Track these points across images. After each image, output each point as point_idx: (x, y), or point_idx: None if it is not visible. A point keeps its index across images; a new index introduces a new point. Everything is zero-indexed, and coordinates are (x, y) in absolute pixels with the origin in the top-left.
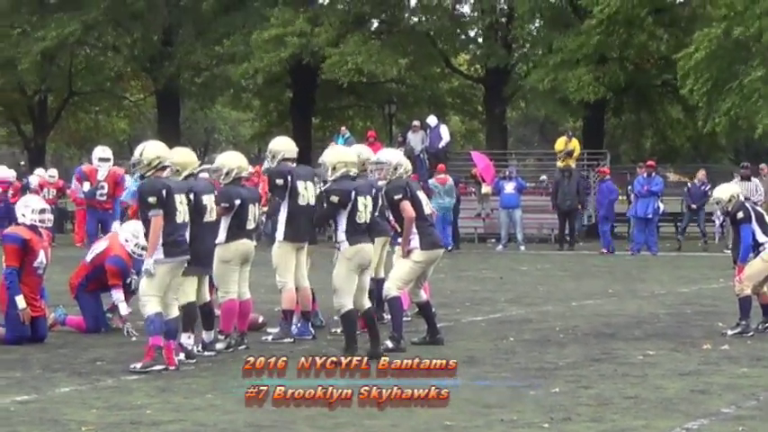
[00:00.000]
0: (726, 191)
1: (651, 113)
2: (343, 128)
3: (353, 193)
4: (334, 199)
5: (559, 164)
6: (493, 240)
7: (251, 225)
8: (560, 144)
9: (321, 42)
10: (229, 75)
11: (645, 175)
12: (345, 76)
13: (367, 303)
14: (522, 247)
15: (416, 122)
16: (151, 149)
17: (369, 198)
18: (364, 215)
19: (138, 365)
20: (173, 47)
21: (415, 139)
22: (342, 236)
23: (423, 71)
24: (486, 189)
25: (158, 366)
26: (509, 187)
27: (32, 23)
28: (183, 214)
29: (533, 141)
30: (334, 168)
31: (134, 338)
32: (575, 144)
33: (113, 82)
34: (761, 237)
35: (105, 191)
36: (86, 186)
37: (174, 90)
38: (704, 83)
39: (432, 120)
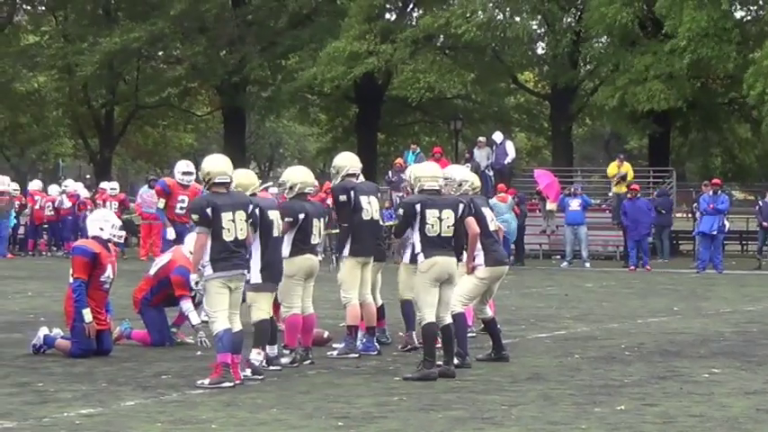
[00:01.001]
0: None
1: (718, 132)
2: (414, 144)
3: (419, 206)
4: (400, 212)
5: (615, 189)
6: (558, 257)
7: (315, 240)
8: (612, 169)
9: (395, 60)
10: (295, 88)
11: (710, 192)
12: (416, 95)
13: (447, 319)
14: (587, 264)
15: (482, 138)
16: (206, 165)
17: (444, 211)
18: (436, 228)
19: (206, 381)
20: (238, 60)
21: (481, 156)
22: (417, 248)
23: (489, 86)
24: (550, 206)
25: (227, 383)
26: (574, 204)
27: (100, 34)
28: (233, 232)
29: (598, 158)
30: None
31: (199, 353)
32: (627, 168)
33: (180, 97)
34: None
35: (185, 204)
36: (161, 203)
37: (240, 104)
38: None
39: (497, 136)
